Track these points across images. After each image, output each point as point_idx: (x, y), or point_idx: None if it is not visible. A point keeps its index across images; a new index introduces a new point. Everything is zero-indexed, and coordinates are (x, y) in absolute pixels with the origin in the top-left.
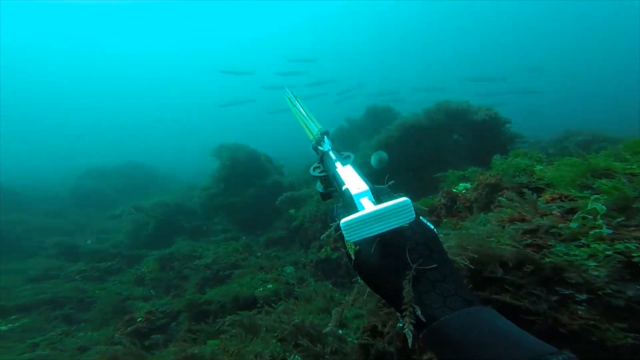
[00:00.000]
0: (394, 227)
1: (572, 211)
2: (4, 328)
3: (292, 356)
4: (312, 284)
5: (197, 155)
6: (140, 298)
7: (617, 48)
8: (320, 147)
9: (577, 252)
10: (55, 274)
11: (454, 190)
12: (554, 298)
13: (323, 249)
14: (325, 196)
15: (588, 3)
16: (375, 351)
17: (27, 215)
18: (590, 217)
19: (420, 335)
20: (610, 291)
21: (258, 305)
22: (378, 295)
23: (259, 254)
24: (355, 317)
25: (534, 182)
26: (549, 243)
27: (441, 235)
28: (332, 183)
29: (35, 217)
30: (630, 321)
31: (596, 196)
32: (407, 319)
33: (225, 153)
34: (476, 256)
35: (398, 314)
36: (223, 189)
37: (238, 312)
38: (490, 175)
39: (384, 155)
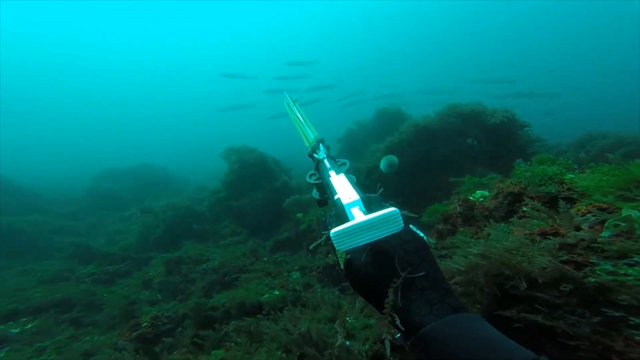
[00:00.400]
0: (382, 236)
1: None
2: (14, 331)
3: None
4: (319, 290)
5: (208, 157)
6: (147, 302)
7: (629, 47)
8: (315, 155)
9: (630, 272)
10: (66, 275)
11: (471, 197)
12: (596, 320)
13: (330, 255)
14: (321, 203)
15: (589, 3)
16: None
17: (47, 217)
18: (623, 224)
19: (409, 342)
20: None
21: (264, 311)
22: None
23: (265, 258)
24: (364, 328)
25: (564, 191)
26: (590, 260)
27: (460, 242)
28: (326, 191)
29: (54, 219)
30: None
31: (631, 204)
32: (384, 328)
33: (233, 156)
34: (501, 268)
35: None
36: (231, 193)
37: (243, 318)
38: (512, 184)
39: (394, 159)
